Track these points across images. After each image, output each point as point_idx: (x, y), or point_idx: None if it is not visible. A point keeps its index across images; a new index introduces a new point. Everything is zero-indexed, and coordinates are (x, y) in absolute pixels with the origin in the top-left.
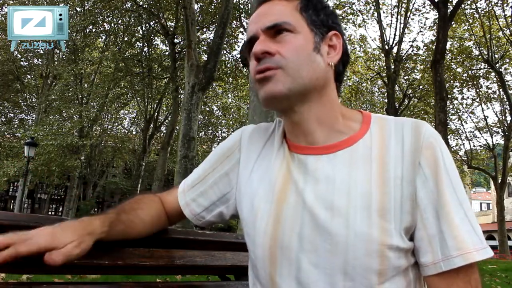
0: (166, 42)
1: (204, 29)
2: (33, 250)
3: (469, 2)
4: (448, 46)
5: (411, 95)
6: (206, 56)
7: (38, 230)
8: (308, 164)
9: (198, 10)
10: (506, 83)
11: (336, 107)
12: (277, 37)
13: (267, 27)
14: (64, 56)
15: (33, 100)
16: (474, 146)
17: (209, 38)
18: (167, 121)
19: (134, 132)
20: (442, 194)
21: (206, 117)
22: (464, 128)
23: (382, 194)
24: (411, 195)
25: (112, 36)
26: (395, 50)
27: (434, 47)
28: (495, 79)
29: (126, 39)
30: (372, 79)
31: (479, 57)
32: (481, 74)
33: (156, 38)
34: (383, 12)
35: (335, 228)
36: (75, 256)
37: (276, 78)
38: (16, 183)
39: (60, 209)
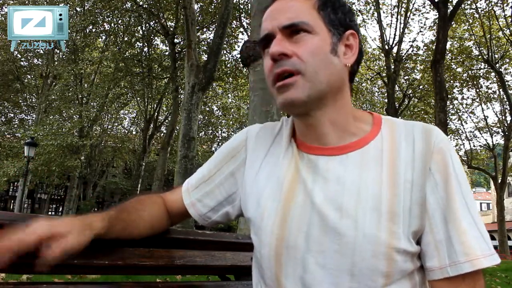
0: (166, 42)
1: (204, 29)
2: (32, 239)
3: (469, 2)
4: (448, 46)
5: (411, 95)
6: (206, 56)
7: (36, 222)
8: (319, 165)
9: (198, 10)
10: (506, 83)
11: (348, 109)
12: (294, 36)
13: (284, 26)
14: (64, 56)
15: (33, 100)
16: (474, 146)
17: (209, 38)
18: (167, 121)
19: (134, 132)
20: (451, 200)
21: (206, 117)
22: (464, 128)
23: (392, 196)
24: (420, 200)
25: (112, 36)
26: (395, 50)
27: (434, 47)
28: (495, 79)
29: (126, 39)
30: (372, 79)
31: (479, 57)
32: (481, 74)
33: (156, 38)
34: (383, 12)
35: (344, 229)
36: (73, 249)
37: (296, 85)
38: (16, 183)
39: (60, 209)
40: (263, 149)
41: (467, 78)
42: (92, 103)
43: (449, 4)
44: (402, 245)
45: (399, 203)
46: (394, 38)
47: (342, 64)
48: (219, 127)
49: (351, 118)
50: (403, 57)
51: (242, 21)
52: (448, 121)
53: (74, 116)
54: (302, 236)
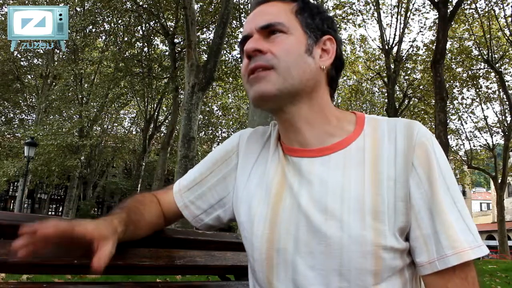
0: (166, 42)
1: (204, 29)
2: (82, 232)
3: (468, 2)
4: (448, 46)
5: (411, 95)
6: (206, 56)
7: (82, 223)
8: (302, 167)
9: (198, 10)
10: (506, 83)
11: (327, 110)
12: (270, 37)
13: (261, 26)
14: (64, 56)
15: (33, 100)
16: (474, 146)
17: (209, 38)
18: (167, 121)
19: (134, 132)
20: (436, 193)
21: (206, 117)
22: (464, 128)
23: (375, 196)
24: (404, 196)
25: (112, 36)
26: (395, 50)
27: (434, 47)
28: (495, 79)
29: (126, 39)
30: (372, 79)
31: (479, 57)
32: (481, 74)
33: (156, 38)
34: (383, 12)
35: (330, 231)
36: (111, 255)
37: (268, 78)
38: (16, 183)
39: (60, 209)
40: (253, 154)
41: (467, 78)
42: (92, 103)
43: (449, 4)
44: (388, 243)
45: (383, 201)
46: (394, 38)
47: (317, 65)
48: (219, 127)
49: (332, 119)
50: (403, 57)
51: (242, 21)
52: (448, 121)
53: (74, 116)
54: (291, 239)
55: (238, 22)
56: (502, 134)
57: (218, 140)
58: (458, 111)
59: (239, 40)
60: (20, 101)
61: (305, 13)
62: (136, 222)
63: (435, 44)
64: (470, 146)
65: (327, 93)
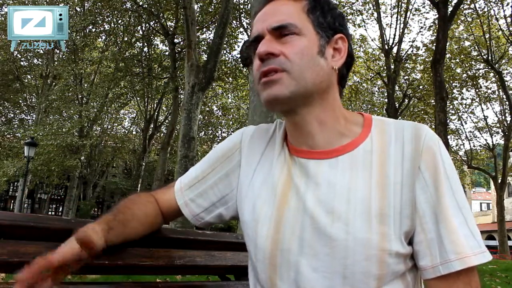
0: (166, 42)
1: (204, 29)
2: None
3: (468, 2)
4: (447, 46)
5: (411, 95)
6: (206, 56)
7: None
8: (309, 169)
9: (198, 10)
10: (506, 83)
11: (337, 111)
12: (282, 38)
13: (273, 27)
14: (64, 56)
15: (33, 100)
16: (474, 146)
17: (209, 38)
18: (167, 121)
19: (134, 132)
20: (442, 198)
21: (206, 117)
22: (464, 128)
23: (382, 199)
24: (410, 200)
25: (112, 36)
26: (395, 50)
27: (434, 47)
28: (494, 79)
29: (126, 39)
30: (372, 79)
31: (478, 57)
32: (481, 74)
33: (156, 38)
34: (383, 12)
35: (335, 233)
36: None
37: (281, 81)
38: (16, 183)
39: (60, 209)
40: (257, 152)
41: (467, 79)
42: (92, 103)
43: (449, 4)
44: (393, 247)
45: (389, 205)
46: (394, 38)
47: (330, 66)
48: (219, 127)
49: (341, 119)
50: (403, 57)
51: (242, 21)
52: (448, 121)
53: (74, 116)
54: (295, 240)
55: (238, 22)
56: (502, 134)
57: (218, 140)
58: (458, 111)
59: (239, 40)
60: (20, 101)
61: (317, 11)
62: (124, 222)
63: (435, 44)
64: (470, 146)
65: (337, 92)
